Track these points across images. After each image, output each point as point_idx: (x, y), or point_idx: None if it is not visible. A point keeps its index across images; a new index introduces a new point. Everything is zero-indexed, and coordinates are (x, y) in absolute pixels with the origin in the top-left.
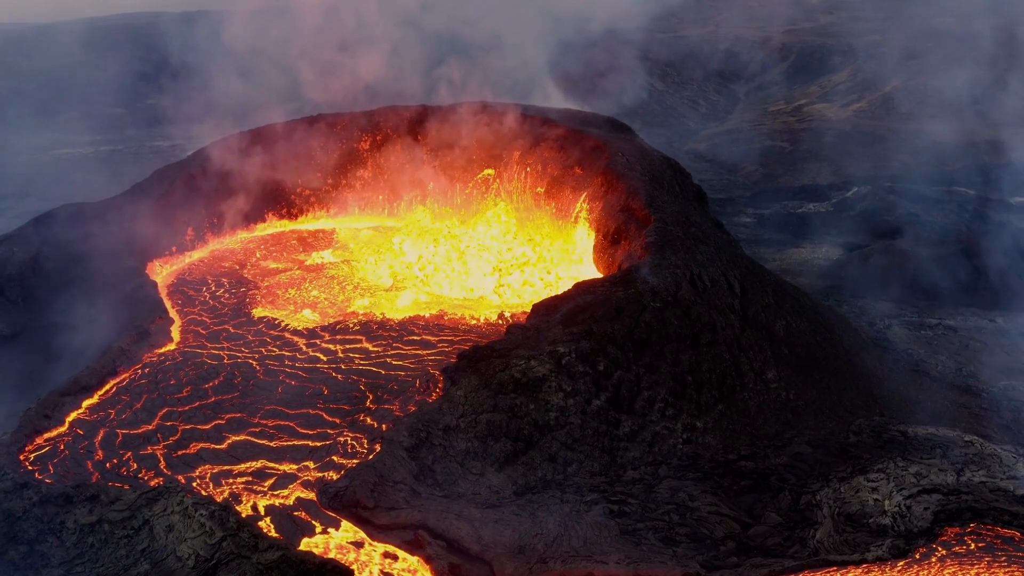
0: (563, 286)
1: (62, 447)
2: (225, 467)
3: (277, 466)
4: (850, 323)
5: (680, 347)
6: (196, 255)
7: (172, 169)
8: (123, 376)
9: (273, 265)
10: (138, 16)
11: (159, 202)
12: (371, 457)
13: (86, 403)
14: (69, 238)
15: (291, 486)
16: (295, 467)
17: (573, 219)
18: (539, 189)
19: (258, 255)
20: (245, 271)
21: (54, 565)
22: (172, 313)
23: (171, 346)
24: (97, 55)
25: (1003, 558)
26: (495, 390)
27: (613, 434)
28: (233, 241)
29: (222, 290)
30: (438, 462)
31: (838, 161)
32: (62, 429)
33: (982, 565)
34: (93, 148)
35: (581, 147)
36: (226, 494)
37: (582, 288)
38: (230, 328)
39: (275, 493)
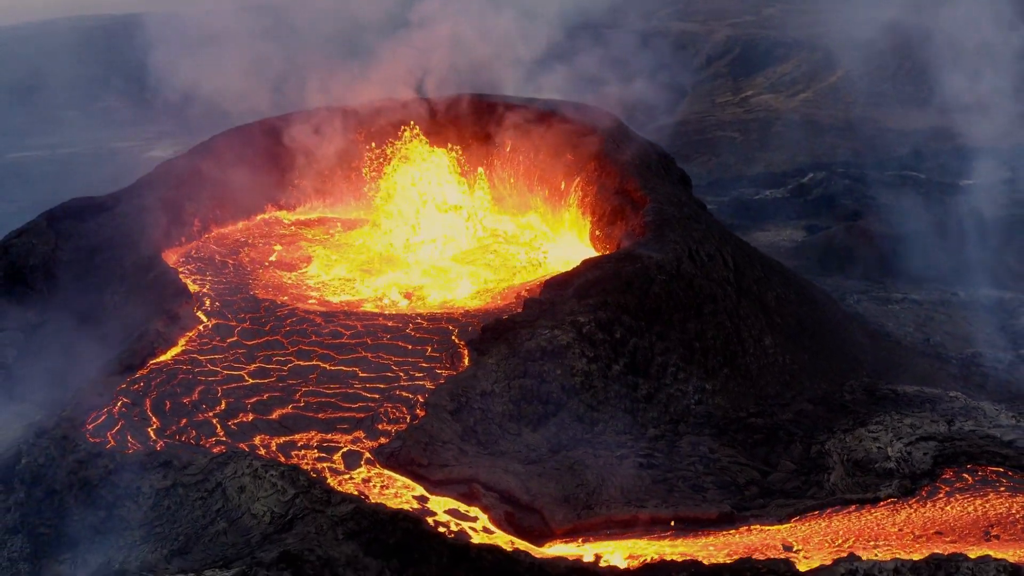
0: (555, 265)
1: (118, 421)
2: (281, 437)
3: (329, 436)
4: (829, 295)
5: (686, 316)
6: (197, 245)
7: (178, 163)
8: (161, 357)
9: (278, 250)
10: (91, 18)
11: (167, 195)
12: (417, 421)
13: (131, 381)
14: (82, 231)
15: (347, 452)
16: (348, 437)
17: (565, 203)
18: (532, 175)
19: (261, 243)
20: (252, 258)
21: (134, 527)
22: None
23: (200, 328)
24: (50, 58)
25: (1002, 489)
26: (524, 357)
27: (632, 396)
28: (235, 231)
29: (234, 275)
30: (479, 424)
31: (789, 149)
32: (115, 405)
33: (985, 497)
34: (50, 151)
35: (571, 134)
36: (289, 460)
37: (590, 264)
38: (247, 308)
39: (332, 459)
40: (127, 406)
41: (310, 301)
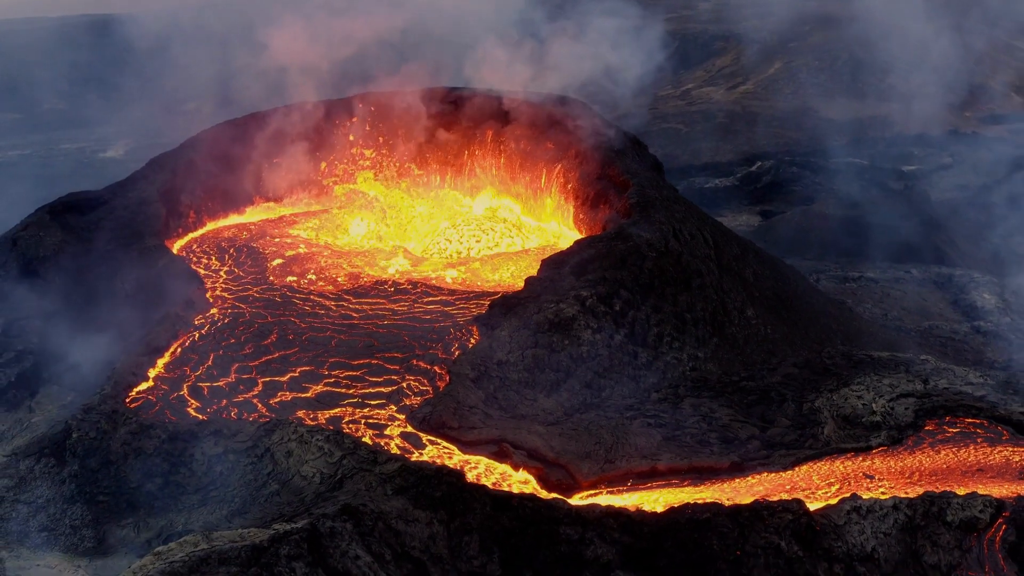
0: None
1: (155, 400)
2: (320, 412)
3: (363, 411)
4: (797, 271)
5: (677, 290)
6: (197, 234)
7: (169, 157)
8: (184, 339)
9: (273, 238)
10: (35, 20)
11: (163, 187)
12: (443, 388)
13: (161, 363)
14: (83, 223)
15: (381, 422)
16: (380, 410)
17: (547, 189)
18: (513, 163)
19: (257, 232)
20: (247, 245)
21: (190, 492)
22: None
23: (214, 311)
24: None
25: (980, 440)
26: (534, 329)
27: (634, 364)
28: (227, 221)
29: (233, 263)
30: (499, 390)
31: (733, 140)
32: (149, 384)
33: (968, 447)
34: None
35: (550, 123)
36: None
37: (583, 244)
38: (255, 293)
39: (370, 428)
40: (164, 387)
41: (320, 283)
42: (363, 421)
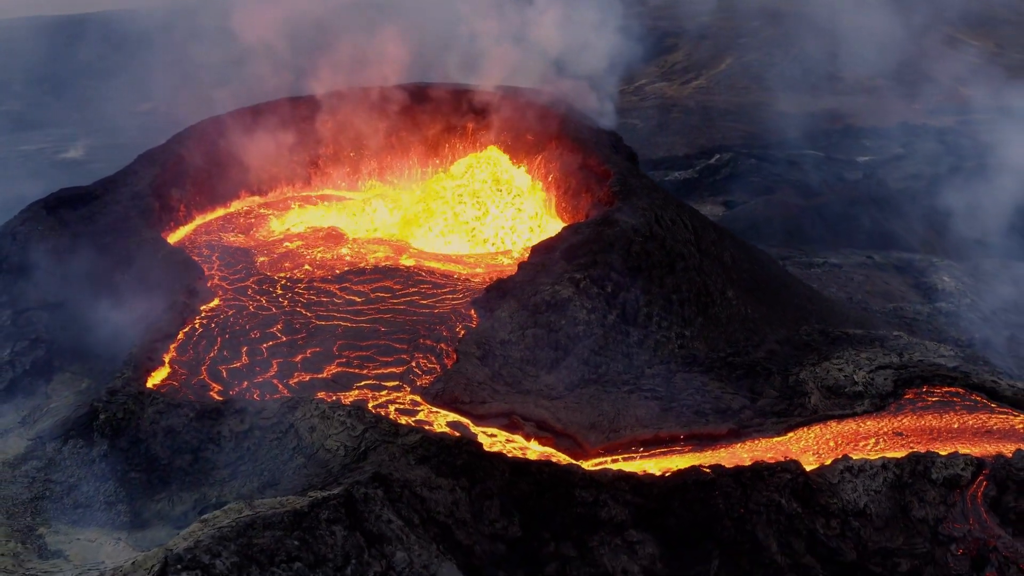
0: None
1: (177, 383)
2: (338, 393)
3: (379, 392)
4: (770, 256)
5: (663, 272)
6: (187, 228)
7: (159, 152)
8: (191, 326)
9: (260, 231)
10: None
11: (155, 181)
12: (452, 366)
13: (173, 347)
14: (77, 217)
15: (398, 399)
16: (396, 389)
17: (529, 179)
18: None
19: (245, 224)
20: (239, 238)
21: (220, 467)
22: None
23: (216, 301)
24: None
25: (958, 406)
26: (532, 310)
27: (626, 342)
28: (215, 215)
29: (228, 255)
30: (503, 368)
31: (689, 134)
32: (166, 368)
33: (948, 413)
34: None
35: (529, 116)
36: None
37: (570, 230)
38: (254, 284)
39: (389, 404)
40: (182, 369)
41: (329, 266)
42: (381, 396)
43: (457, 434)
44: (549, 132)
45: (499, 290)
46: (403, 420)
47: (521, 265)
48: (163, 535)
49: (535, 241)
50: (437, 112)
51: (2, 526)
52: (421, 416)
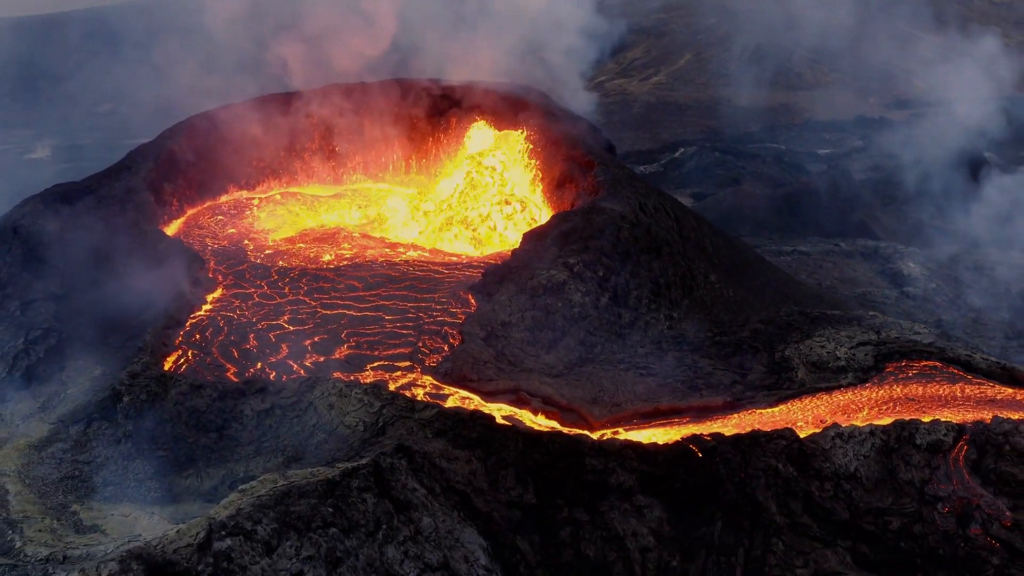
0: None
1: (194, 365)
2: (353, 375)
3: (394, 373)
4: (745, 242)
5: (650, 258)
6: (179, 222)
7: (151, 147)
8: (198, 313)
9: (254, 225)
10: None
11: (149, 176)
12: (458, 347)
13: (183, 333)
14: (73, 211)
15: (410, 377)
16: (408, 370)
17: (514, 170)
18: (480, 149)
19: (232, 217)
20: (231, 232)
21: (243, 444)
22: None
23: (220, 291)
24: None
25: (937, 377)
26: (530, 293)
27: (619, 323)
28: (204, 209)
29: (223, 247)
30: (506, 348)
31: (651, 129)
32: (178, 352)
33: (928, 384)
34: None
35: (513, 110)
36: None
37: (560, 218)
38: (253, 275)
39: (400, 380)
40: (197, 353)
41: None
42: (393, 375)
43: (472, 408)
44: (532, 124)
45: (496, 275)
46: (420, 396)
47: (514, 252)
48: (195, 508)
49: (521, 230)
50: (421, 106)
51: (35, 504)
52: (433, 392)
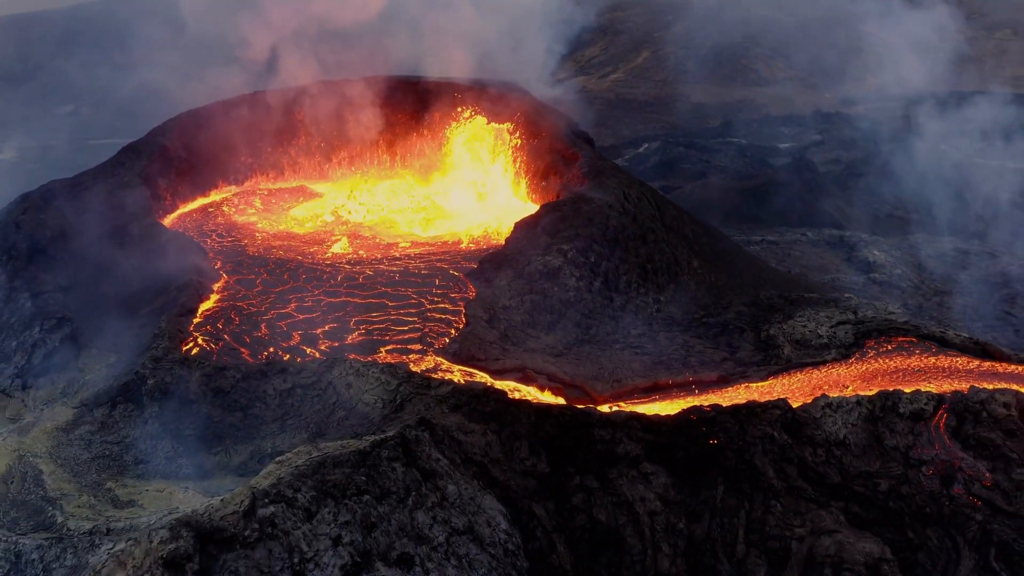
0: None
1: (209, 350)
2: (367, 358)
3: (407, 356)
4: (721, 231)
5: (637, 244)
6: (172, 217)
7: (143, 144)
8: (206, 303)
9: (246, 219)
10: None
11: (143, 172)
12: (464, 329)
13: (195, 321)
14: (70, 207)
15: (425, 359)
16: (420, 353)
17: (496, 165)
18: (462, 144)
19: (226, 211)
20: (224, 225)
21: (268, 422)
22: None
23: (223, 281)
24: None
25: (916, 351)
26: (527, 278)
27: (611, 306)
28: (195, 204)
29: (219, 240)
30: (508, 330)
31: (613, 126)
32: (193, 341)
33: (908, 358)
34: None
35: (495, 104)
36: None
37: (549, 208)
38: (253, 266)
39: (414, 361)
40: (211, 340)
41: (327, 252)
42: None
43: (485, 383)
44: (514, 118)
45: (492, 262)
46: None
47: (507, 240)
48: (228, 482)
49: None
50: (404, 102)
51: (71, 483)
52: (445, 373)
